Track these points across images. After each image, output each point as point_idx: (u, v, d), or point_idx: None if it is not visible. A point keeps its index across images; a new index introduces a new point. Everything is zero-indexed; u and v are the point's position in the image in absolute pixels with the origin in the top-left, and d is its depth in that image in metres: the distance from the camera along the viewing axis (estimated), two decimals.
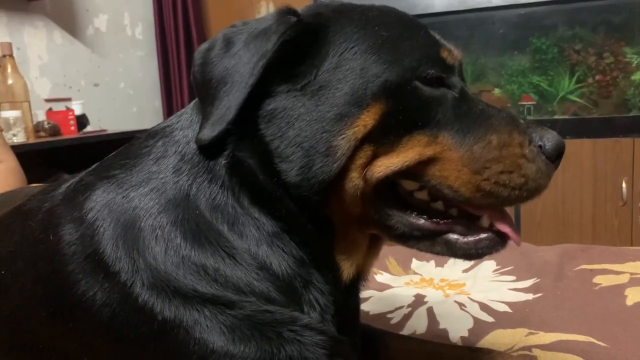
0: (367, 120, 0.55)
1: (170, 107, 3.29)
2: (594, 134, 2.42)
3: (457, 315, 0.97)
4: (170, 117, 0.65)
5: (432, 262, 1.26)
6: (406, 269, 1.25)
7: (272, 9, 3.05)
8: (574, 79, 2.75)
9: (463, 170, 0.57)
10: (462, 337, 0.89)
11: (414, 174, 0.58)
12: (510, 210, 0.65)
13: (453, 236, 0.60)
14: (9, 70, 2.21)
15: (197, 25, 3.19)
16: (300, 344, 0.54)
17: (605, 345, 0.80)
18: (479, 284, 1.11)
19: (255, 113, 0.57)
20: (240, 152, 0.57)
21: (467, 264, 1.21)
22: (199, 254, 0.55)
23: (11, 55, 2.23)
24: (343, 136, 0.54)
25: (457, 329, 0.91)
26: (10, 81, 2.21)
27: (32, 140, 2.23)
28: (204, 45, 0.60)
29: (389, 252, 1.30)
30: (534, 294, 1.03)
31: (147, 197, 0.57)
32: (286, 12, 0.58)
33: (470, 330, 0.90)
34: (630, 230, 2.35)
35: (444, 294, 1.08)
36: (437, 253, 0.61)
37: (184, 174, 0.58)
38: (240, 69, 0.56)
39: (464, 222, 0.60)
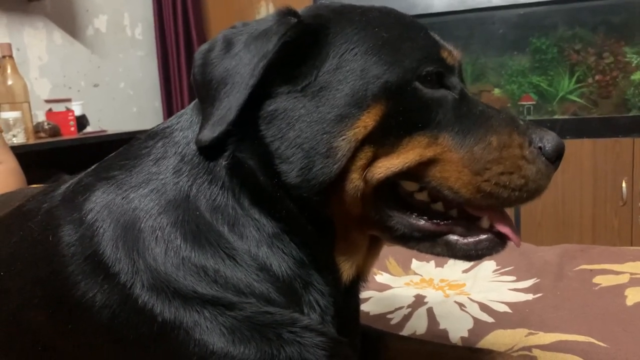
0: (367, 121, 0.55)
1: (170, 107, 3.29)
2: (593, 134, 2.42)
3: (457, 315, 0.97)
4: (170, 118, 0.65)
5: (432, 263, 1.26)
6: (406, 269, 1.25)
7: (272, 9, 3.05)
8: (574, 79, 2.75)
9: (463, 172, 0.57)
10: (462, 338, 0.89)
11: (415, 175, 0.58)
12: (510, 210, 0.65)
13: (453, 237, 0.60)
14: (9, 71, 2.21)
15: (196, 26, 3.20)
16: (300, 346, 0.54)
17: (605, 345, 0.80)
18: (479, 285, 1.11)
19: (256, 114, 0.57)
20: (241, 153, 0.57)
21: (467, 264, 1.21)
22: (199, 255, 0.55)
23: (11, 56, 2.23)
24: (343, 137, 0.54)
25: (457, 329, 0.91)
26: (10, 82, 2.21)
27: (32, 141, 2.23)
28: (204, 46, 0.60)
29: (389, 252, 1.30)
30: (533, 294, 1.03)
31: (147, 198, 0.57)
32: (286, 13, 0.58)
33: (470, 331, 0.90)
34: (630, 230, 2.35)
35: (444, 294, 1.08)
36: (438, 254, 0.61)
37: (184, 175, 0.58)
38: (241, 70, 0.55)
39: (464, 223, 0.60)
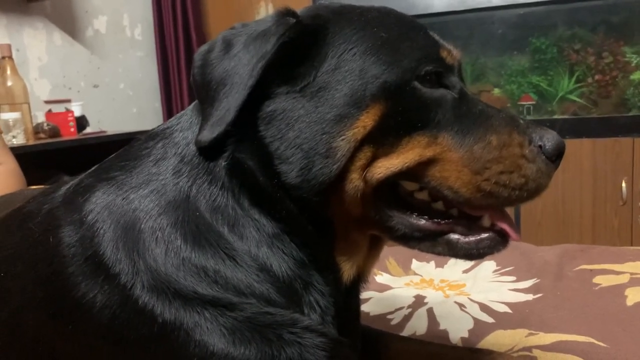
0: (366, 121, 0.55)
1: (169, 107, 3.29)
2: (593, 133, 2.42)
3: (457, 316, 0.97)
4: (170, 119, 0.65)
5: (432, 263, 1.26)
6: (406, 269, 1.25)
7: (271, 10, 3.05)
8: (574, 79, 2.75)
9: (463, 171, 0.57)
10: (462, 338, 0.89)
11: (414, 175, 0.58)
12: (510, 210, 0.65)
13: (454, 236, 0.60)
14: (9, 71, 2.21)
15: (196, 26, 3.20)
16: (300, 346, 0.54)
17: (605, 345, 0.80)
18: (479, 285, 1.11)
19: (255, 115, 0.57)
20: (240, 154, 0.57)
21: (467, 264, 1.21)
22: (199, 256, 0.55)
23: (10, 57, 2.23)
24: (343, 137, 0.54)
25: (458, 329, 0.91)
26: (9, 83, 2.21)
27: (31, 142, 2.23)
28: (204, 47, 0.60)
29: (389, 252, 1.30)
30: (534, 295, 1.03)
31: (147, 199, 0.57)
32: (285, 14, 0.58)
33: (470, 331, 0.90)
34: (630, 230, 2.35)
35: (444, 294, 1.08)
36: (439, 253, 0.61)
37: (184, 176, 0.58)
38: (240, 70, 0.56)
39: (465, 222, 0.60)
